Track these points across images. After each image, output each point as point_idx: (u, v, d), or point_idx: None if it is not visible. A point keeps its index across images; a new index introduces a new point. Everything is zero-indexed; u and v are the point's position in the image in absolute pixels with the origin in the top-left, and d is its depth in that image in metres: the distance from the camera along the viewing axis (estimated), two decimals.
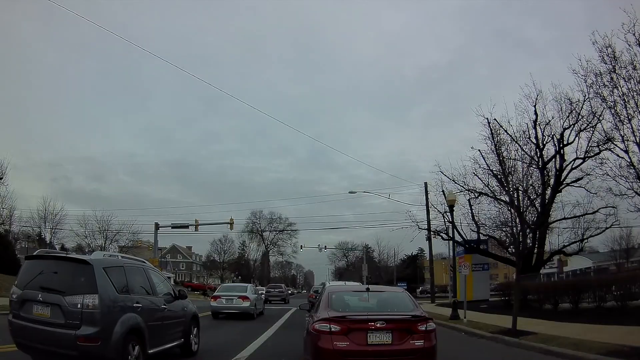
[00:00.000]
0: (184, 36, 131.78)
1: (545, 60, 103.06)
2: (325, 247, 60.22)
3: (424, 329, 6.80)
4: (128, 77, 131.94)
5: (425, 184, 34.76)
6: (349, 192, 37.34)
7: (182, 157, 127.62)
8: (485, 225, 26.62)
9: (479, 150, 26.80)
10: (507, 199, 27.10)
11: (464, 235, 26.88)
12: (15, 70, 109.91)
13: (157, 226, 38.39)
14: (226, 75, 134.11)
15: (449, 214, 26.43)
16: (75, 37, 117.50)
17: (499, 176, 26.72)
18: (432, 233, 29.49)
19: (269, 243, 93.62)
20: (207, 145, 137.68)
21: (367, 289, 8.45)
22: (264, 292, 35.69)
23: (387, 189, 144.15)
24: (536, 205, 25.17)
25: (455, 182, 27.54)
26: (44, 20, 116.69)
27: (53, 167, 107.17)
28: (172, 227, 39.29)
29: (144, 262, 9.06)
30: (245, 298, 20.88)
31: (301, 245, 71.06)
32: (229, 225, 38.41)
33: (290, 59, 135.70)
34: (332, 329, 6.66)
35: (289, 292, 57.98)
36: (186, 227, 38.08)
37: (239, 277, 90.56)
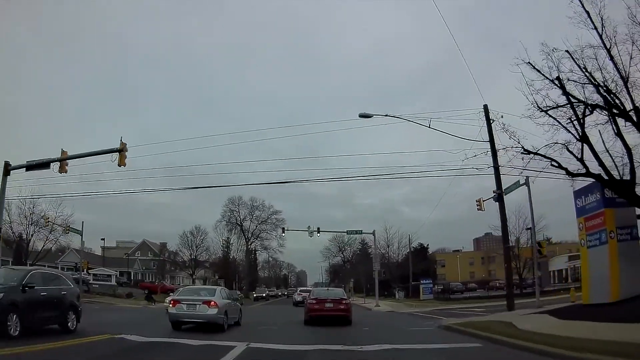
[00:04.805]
0: (175, 38, 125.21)
1: None
2: (318, 230, 45.36)
3: (344, 302, 20.42)
4: (119, 79, 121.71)
5: (485, 106, 21.96)
6: (360, 116, 23.79)
7: (172, 159, 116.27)
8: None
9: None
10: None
11: (606, 164, 13.16)
12: (11, 74, 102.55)
13: (6, 168, 23.33)
14: (217, 77, 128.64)
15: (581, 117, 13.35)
16: (68, 41, 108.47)
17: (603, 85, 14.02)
18: (543, 159, 15.70)
19: (250, 235, 79.85)
20: (198, 147, 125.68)
21: (327, 289, 27.97)
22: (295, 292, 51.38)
23: (378, 187, 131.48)
24: None
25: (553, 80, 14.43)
26: (36, 24, 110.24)
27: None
28: (27, 169, 22.74)
29: None
30: (212, 304, 16.52)
31: (283, 228, 56.32)
32: (117, 157, 22.50)
33: (281, 59, 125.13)
34: (313, 302, 20.51)
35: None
36: (47, 165, 21.75)
37: (221, 280, 77.14)
